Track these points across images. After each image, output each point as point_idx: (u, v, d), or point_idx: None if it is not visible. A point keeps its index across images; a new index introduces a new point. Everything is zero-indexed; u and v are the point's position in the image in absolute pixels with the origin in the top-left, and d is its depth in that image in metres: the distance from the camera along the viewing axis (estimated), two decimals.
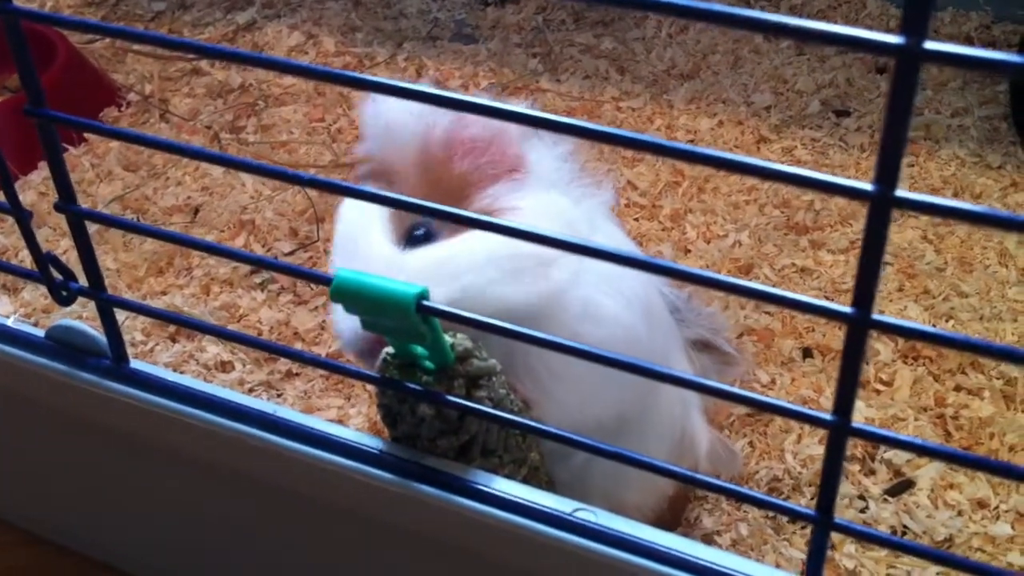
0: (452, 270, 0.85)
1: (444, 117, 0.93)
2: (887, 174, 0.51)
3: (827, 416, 0.61)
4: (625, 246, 1.08)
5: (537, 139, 0.99)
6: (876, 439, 0.61)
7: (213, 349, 1.42)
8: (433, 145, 0.92)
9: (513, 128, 0.94)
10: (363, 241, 0.89)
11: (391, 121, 0.93)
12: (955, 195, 1.68)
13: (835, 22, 2.08)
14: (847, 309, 0.56)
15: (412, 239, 0.89)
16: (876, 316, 0.56)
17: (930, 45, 0.47)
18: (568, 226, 0.91)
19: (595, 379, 0.91)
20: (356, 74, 0.63)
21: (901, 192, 0.51)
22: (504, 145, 0.93)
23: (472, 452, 0.81)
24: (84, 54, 2.01)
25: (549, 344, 0.68)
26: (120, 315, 1.45)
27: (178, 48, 0.69)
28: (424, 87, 0.61)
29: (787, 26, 0.49)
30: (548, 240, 0.63)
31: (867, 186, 0.52)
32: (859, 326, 0.57)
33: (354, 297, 0.70)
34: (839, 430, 0.61)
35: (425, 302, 0.69)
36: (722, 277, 0.59)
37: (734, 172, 0.55)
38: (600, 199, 1.02)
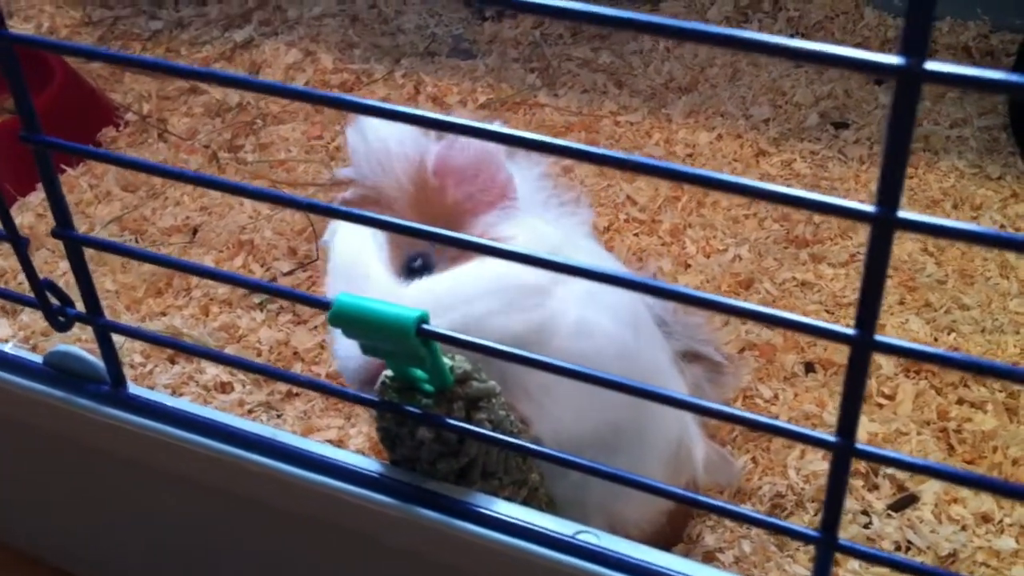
0: (451, 302, 0.86)
1: (435, 143, 0.94)
2: (889, 195, 0.50)
3: (831, 438, 0.61)
4: (607, 263, 1.08)
5: (514, 160, 0.99)
6: (880, 460, 0.61)
7: (212, 370, 1.41)
8: (426, 173, 0.92)
9: (501, 153, 0.95)
10: (361, 271, 0.89)
11: (383, 147, 0.93)
12: (954, 207, 1.67)
13: (833, 33, 2.09)
14: (850, 331, 0.56)
15: (410, 270, 0.89)
16: (879, 337, 0.55)
17: (931, 65, 0.46)
18: (556, 251, 0.92)
19: (587, 392, 0.91)
20: (349, 97, 0.62)
21: (904, 213, 0.51)
22: (494, 171, 0.94)
23: (472, 475, 0.80)
24: (81, 74, 2.01)
25: (549, 367, 0.67)
26: (119, 338, 1.45)
27: (173, 73, 0.69)
28: (415, 110, 0.61)
29: (788, 48, 0.49)
30: (548, 263, 0.62)
31: (869, 208, 0.51)
32: (862, 348, 0.56)
33: (353, 321, 0.70)
34: (843, 451, 0.61)
35: (425, 326, 0.69)
36: (725, 300, 0.59)
37: (739, 195, 0.54)
38: (579, 219, 1.02)
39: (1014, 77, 0.46)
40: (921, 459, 0.59)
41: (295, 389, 1.40)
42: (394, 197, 0.92)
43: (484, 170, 0.93)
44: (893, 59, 0.47)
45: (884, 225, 0.51)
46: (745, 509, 0.68)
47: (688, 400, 0.65)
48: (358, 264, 0.90)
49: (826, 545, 0.66)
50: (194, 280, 1.57)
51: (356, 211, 0.66)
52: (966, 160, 1.77)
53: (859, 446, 0.60)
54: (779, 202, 0.53)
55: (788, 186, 1.71)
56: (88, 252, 1.61)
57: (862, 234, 1.62)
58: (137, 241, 1.68)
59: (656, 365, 1.05)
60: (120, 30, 2.29)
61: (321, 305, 0.71)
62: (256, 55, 2.16)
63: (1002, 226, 1.63)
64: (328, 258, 0.95)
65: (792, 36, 2.12)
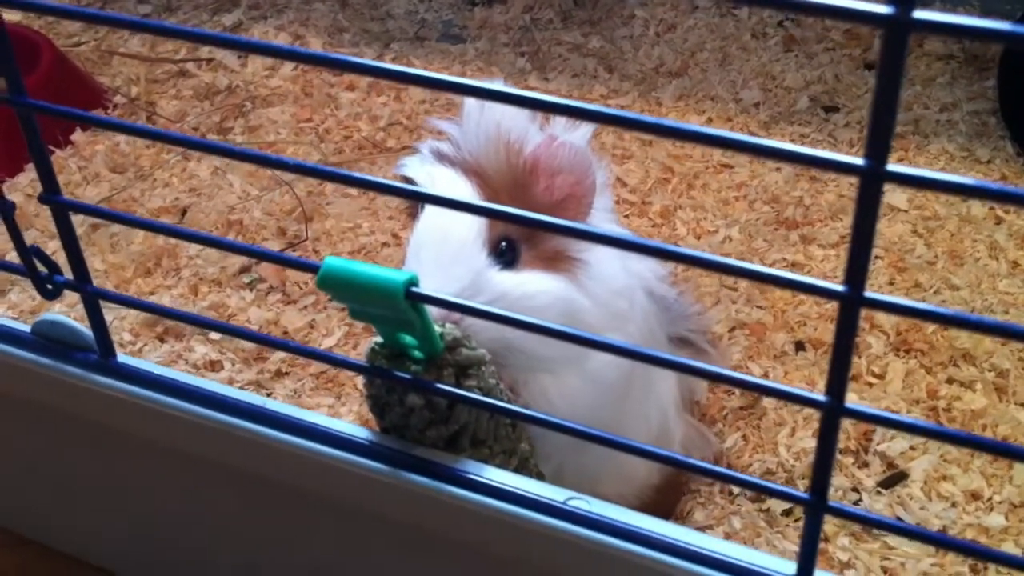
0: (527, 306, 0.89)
1: (538, 134, 0.95)
2: (878, 149, 0.50)
3: (820, 397, 0.61)
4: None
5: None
6: (868, 419, 0.61)
7: (201, 349, 1.41)
8: (524, 160, 0.93)
9: (592, 157, 0.97)
10: (457, 240, 0.90)
11: (492, 122, 0.93)
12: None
13: (823, 18, 2.09)
14: (840, 287, 0.56)
15: (499, 252, 0.91)
16: (868, 294, 0.56)
17: (919, 14, 0.46)
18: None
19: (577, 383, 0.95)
20: (351, 58, 0.62)
21: (892, 166, 0.51)
22: (583, 174, 0.95)
23: (462, 442, 0.80)
24: (70, 57, 2.00)
25: (538, 328, 0.67)
26: (108, 315, 1.44)
27: (172, 35, 0.69)
28: (428, 73, 0.61)
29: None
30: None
31: (858, 160, 0.51)
32: (852, 304, 0.56)
33: (342, 285, 0.69)
34: (832, 411, 0.61)
35: (414, 288, 0.69)
36: (716, 258, 0.59)
37: (729, 149, 0.54)
38: (601, 202, 1.03)
39: (1002, 25, 0.46)
40: (909, 418, 0.59)
41: (285, 368, 1.40)
42: (490, 173, 0.93)
43: (575, 171, 0.95)
44: (882, 8, 0.47)
45: (873, 178, 0.51)
46: (733, 472, 0.68)
47: (681, 362, 0.65)
48: (454, 233, 0.90)
49: (816, 508, 0.66)
50: (183, 260, 1.57)
51: (349, 173, 0.66)
52: (956, 143, 1.78)
53: (848, 405, 0.60)
54: (773, 157, 0.53)
55: (777, 169, 1.72)
56: (78, 231, 1.60)
57: (851, 216, 1.62)
58: None
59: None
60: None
61: (310, 268, 0.71)
62: (240, 39, 2.15)
63: (991, 208, 1.63)
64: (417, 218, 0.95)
65: (782, 22, 2.13)
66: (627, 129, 0.56)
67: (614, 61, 2.06)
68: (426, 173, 0.95)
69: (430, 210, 0.92)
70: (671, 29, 2.14)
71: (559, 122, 0.97)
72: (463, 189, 0.92)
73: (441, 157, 0.96)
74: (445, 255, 0.89)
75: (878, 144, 0.50)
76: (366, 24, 2.22)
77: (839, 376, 0.60)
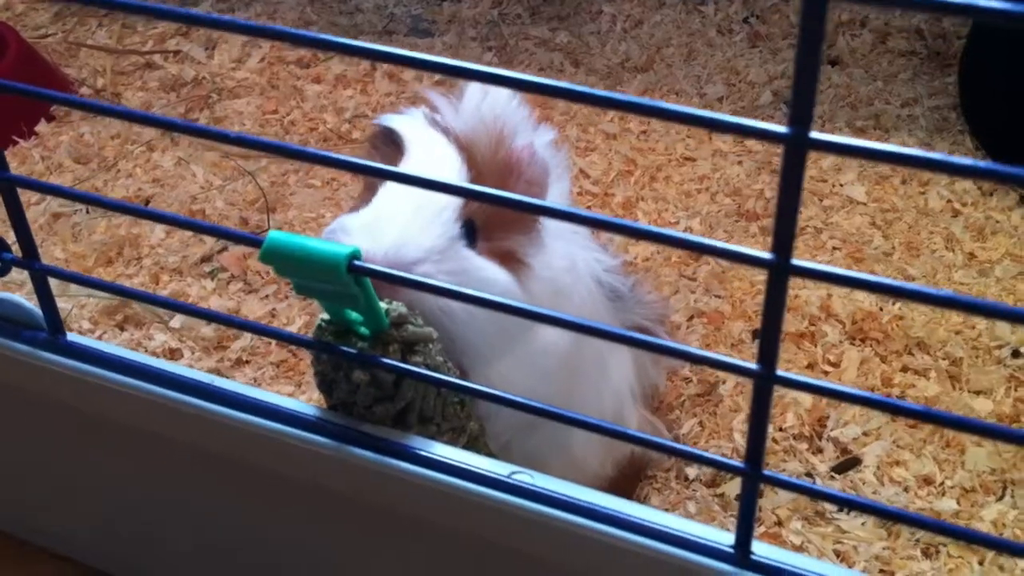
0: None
1: (528, 134, 0.97)
2: (801, 115, 0.51)
3: (752, 365, 0.62)
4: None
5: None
6: (799, 387, 0.62)
7: (161, 337, 1.41)
8: (509, 155, 0.95)
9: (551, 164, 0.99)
10: (440, 201, 0.89)
11: (491, 112, 0.95)
12: (903, 182, 1.69)
13: (788, 16, 2.11)
14: (767, 255, 0.57)
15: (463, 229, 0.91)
16: (795, 261, 0.57)
17: (815, 135, 0.48)
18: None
19: (531, 361, 0.95)
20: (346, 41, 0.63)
21: (816, 134, 0.52)
22: (544, 188, 0.97)
23: (409, 419, 0.81)
24: (36, 48, 1.99)
25: (474, 299, 0.68)
26: (68, 303, 1.44)
27: (157, 16, 0.69)
28: (422, 56, 0.62)
29: None
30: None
31: (782, 128, 0.52)
32: (779, 272, 0.57)
33: (285, 258, 0.70)
34: (764, 380, 0.62)
35: (356, 262, 0.69)
36: (649, 227, 0.59)
37: (655, 117, 0.55)
38: (557, 190, 1.04)
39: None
40: (839, 385, 0.60)
41: (245, 356, 1.40)
42: (477, 156, 0.94)
43: (541, 185, 0.96)
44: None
45: (797, 144, 0.52)
46: (670, 442, 0.69)
47: (612, 330, 0.66)
48: (434, 197, 0.89)
49: (751, 477, 0.67)
50: (144, 249, 1.57)
51: (308, 149, 0.66)
52: (916, 138, 1.80)
53: (779, 373, 0.61)
54: (696, 125, 0.54)
55: (739, 163, 1.73)
56: (40, 221, 1.59)
57: (812, 208, 1.64)
58: (88, 212, 1.67)
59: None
60: (75, 7, 2.27)
61: (257, 243, 0.71)
62: (213, 30, 2.15)
63: (949, 201, 1.65)
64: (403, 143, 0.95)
65: (747, 19, 2.14)
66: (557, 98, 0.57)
67: (581, 56, 2.07)
68: (418, 131, 0.96)
69: (415, 165, 0.93)
70: (638, 25, 2.16)
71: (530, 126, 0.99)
72: (453, 161, 0.93)
73: (434, 123, 0.97)
74: (427, 210, 0.89)
75: (802, 110, 0.52)
76: (334, 18, 2.22)
77: (770, 345, 0.61)
